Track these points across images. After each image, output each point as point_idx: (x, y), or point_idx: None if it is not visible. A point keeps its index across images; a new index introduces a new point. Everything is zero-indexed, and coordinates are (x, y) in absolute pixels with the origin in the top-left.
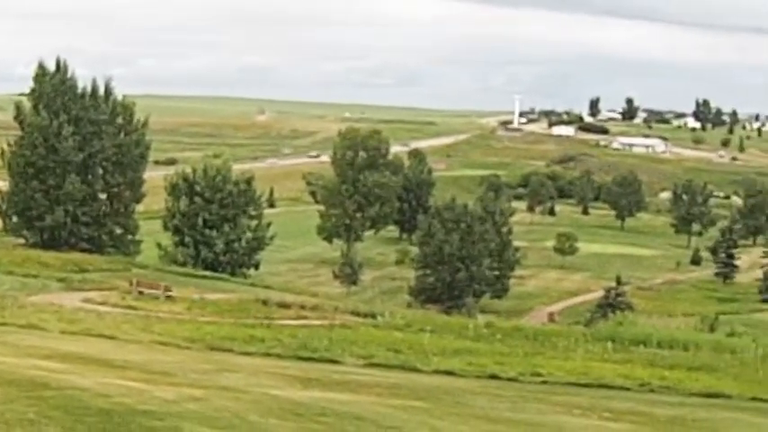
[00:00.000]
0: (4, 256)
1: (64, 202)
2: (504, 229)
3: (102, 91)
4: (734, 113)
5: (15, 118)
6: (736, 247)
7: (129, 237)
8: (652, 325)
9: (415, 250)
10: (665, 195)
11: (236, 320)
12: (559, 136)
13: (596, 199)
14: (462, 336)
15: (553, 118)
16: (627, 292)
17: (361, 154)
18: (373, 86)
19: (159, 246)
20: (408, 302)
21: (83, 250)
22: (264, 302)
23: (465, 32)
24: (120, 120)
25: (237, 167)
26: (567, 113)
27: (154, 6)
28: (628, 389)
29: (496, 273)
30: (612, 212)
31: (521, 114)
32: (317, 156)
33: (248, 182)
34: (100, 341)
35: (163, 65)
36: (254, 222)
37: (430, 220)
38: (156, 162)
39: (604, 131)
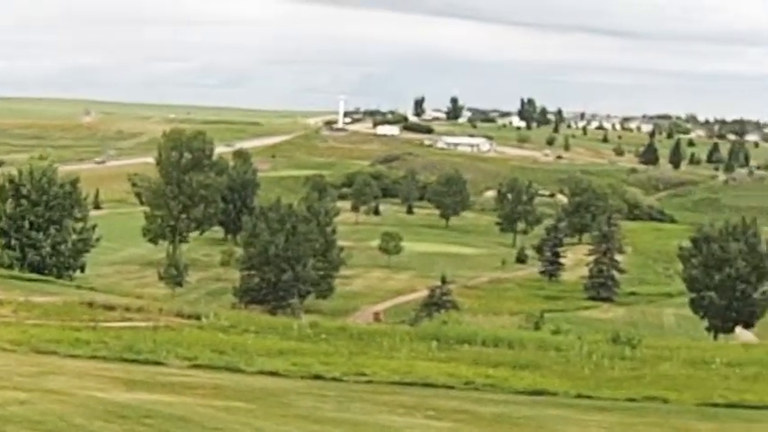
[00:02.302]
0: None
1: None
2: (329, 229)
3: None
4: (559, 112)
5: None
6: (561, 245)
7: None
8: (477, 323)
9: (239, 251)
10: (490, 194)
11: (62, 323)
12: (384, 135)
13: (421, 198)
14: (287, 336)
15: (378, 118)
16: (452, 290)
17: (186, 155)
18: (199, 87)
19: None
20: (233, 303)
21: None
22: (90, 305)
23: (290, 32)
24: None
25: (63, 169)
26: (392, 113)
27: None
28: (452, 387)
29: (321, 273)
30: (437, 212)
31: (345, 114)
32: (103, 162)
33: (74, 184)
34: None
35: None
36: (79, 224)
37: (255, 221)
38: None
39: (429, 131)
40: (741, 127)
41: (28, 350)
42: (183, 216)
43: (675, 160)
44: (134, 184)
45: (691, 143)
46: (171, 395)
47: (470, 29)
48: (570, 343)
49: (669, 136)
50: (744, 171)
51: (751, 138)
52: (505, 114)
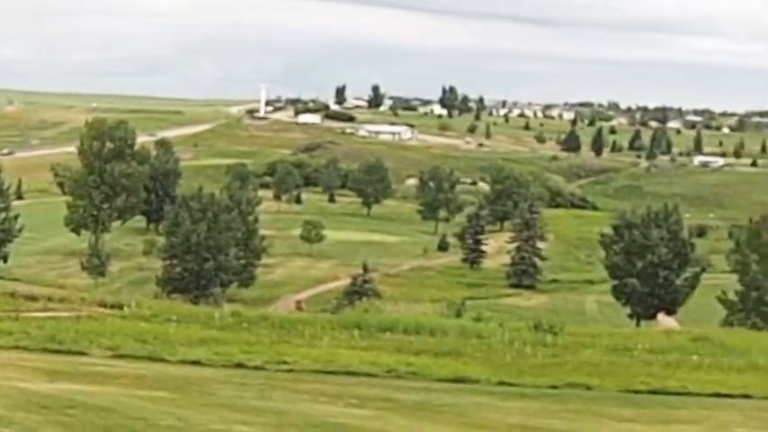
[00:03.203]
0: None
1: None
2: (251, 218)
3: None
4: (480, 100)
5: None
6: (483, 232)
7: None
8: (399, 311)
9: (162, 240)
10: (412, 182)
11: None
12: (305, 124)
13: (343, 187)
14: (208, 325)
15: (299, 106)
16: (374, 279)
17: (108, 144)
18: (121, 76)
19: None
20: (155, 293)
21: None
22: (12, 295)
23: (211, 21)
24: None
25: None
26: (314, 101)
27: None
28: (374, 375)
29: (243, 262)
30: (359, 200)
31: (267, 103)
32: (11, 153)
33: None
34: None
35: None
36: (2, 215)
37: (177, 210)
38: None
39: (351, 119)
40: (663, 114)
41: None
42: (106, 206)
43: (597, 147)
44: (56, 174)
45: (612, 130)
46: (93, 385)
47: (392, 17)
48: (492, 330)
49: (591, 123)
50: (666, 158)
51: (673, 125)
52: (427, 102)
